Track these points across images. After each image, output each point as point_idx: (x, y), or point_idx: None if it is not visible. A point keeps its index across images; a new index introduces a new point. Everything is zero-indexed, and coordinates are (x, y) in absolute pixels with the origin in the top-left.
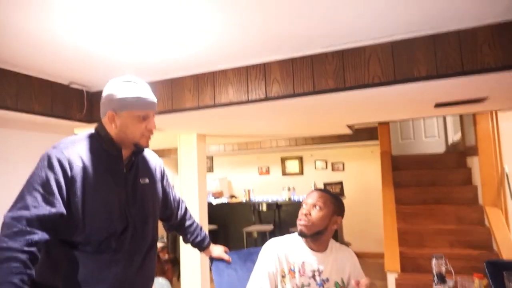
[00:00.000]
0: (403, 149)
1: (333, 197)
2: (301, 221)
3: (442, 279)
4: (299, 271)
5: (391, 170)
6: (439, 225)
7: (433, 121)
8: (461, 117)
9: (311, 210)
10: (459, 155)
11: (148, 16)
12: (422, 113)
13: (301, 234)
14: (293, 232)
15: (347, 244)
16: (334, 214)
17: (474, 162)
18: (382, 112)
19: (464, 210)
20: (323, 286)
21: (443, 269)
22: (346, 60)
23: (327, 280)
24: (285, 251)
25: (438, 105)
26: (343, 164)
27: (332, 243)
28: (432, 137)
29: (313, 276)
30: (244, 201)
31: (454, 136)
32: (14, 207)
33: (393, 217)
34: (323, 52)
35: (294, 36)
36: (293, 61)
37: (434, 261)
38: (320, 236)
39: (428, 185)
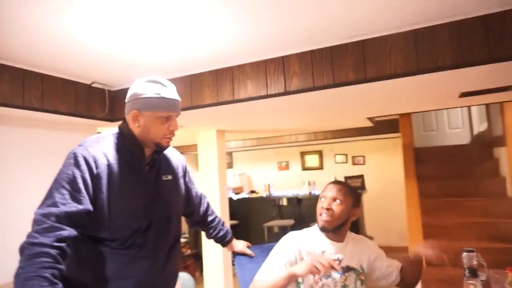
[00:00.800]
0: (426, 141)
1: (351, 190)
2: (322, 216)
3: (473, 273)
4: None
5: (414, 162)
6: (465, 219)
7: (457, 111)
8: (487, 106)
9: (332, 204)
10: (485, 146)
11: (165, 15)
12: (447, 103)
13: (324, 229)
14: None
15: (369, 238)
16: (353, 207)
17: (501, 153)
18: (405, 103)
19: (492, 202)
20: (343, 274)
21: (474, 262)
22: (367, 51)
23: (347, 268)
24: (304, 243)
25: (463, 95)
26: (364, 158)
27: (349, 233)
28: (456, 128)
29: None
30: (264, 196)
31: (480, 127)
32: (43, 204)
33: (416, 211)
34: (343, 43)
35: (312, 28)
36: (312, 54)
37: (464, 255)
38: (340, 229)
39: (453, 177)
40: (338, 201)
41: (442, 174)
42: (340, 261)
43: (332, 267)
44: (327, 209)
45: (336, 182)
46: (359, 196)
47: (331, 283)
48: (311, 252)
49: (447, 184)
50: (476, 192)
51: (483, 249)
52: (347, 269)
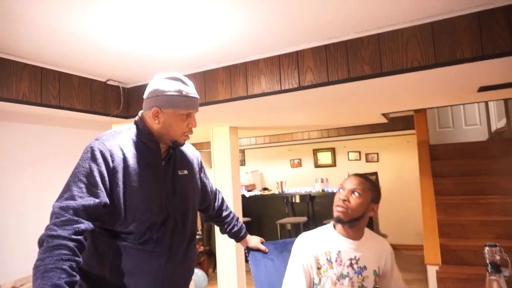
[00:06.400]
0: (442, 138)
1: (372, 184)
2: (338, 208)
3: (496, 268)
4: (336, 261)
5: (429, 160)
6: (483, 217)
7: (474, 108)
8: (505, 102)
9: (350, 197)
10: (504, 142)
11: (177, 10)
12: (465, 98)
13: (338, 220)
14: (326, 224)
15: (383, 236)
16: (372, 202)
17: None
18: (421, 98)
19: None
20: (361, 274)
21: (497, 257)
22: (383, 44)
23: (365, 267)
24: (319, 243)
25: (482, 89)
26: (378, 155)
27: (368, 231)
28: (474, 125)
29: (351, 265)
30: (277, 193)
31: (498, 123)
32: (61, 197)
33: (432, 208)
34: (358, 37)
35: (327, 22)
36: (326, 48)
37: (487, 249)
38: (356, 223)
39: (471, 175)
40: (356, 193)
41: (459, 171)
42: (357, 260)
43: None
44: (344, 200)
45: (357, 174)
46: (379, 192)
47: (349, 284)
48: (327, 252)
49: (464, 181)
50: (495, 190)
51: (503, 248)
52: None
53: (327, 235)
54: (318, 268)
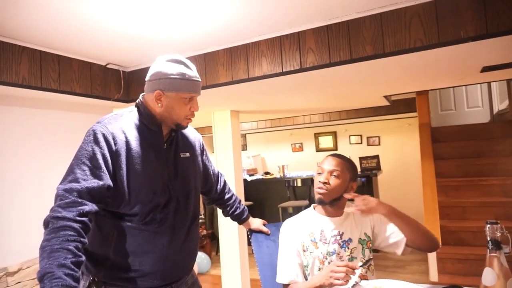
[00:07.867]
0: (444, 121)
1: (349, 164)
2: (320, 190)
3: (497, 245)
4: (321, 240)
5: (430, 142)
6: (483, 198)
7: (476, 90)
8: (508, 84)
9: (329, 178)
10: (506, 124)
11: None
12: (467, 79)
13: (320, 202)
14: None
15: None
16: (351, 181)
17: None
18: (423, 79)
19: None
20: (347, 247)
21: (498, 234)
22: (385, 24)
23: (350, 240)
24: (302, 226)
25: (485, 69)
26: (379, 138)
27: (349, 205)
28: (476, 107)
29: (336, 241)
30: (278, 177)
31: (500, 105)
32: (65, 179)
33: (433, 190)
34: (360, 17)
35: (328, 2)
36: (328, 29)
37: (488, 227)
38: (337, 202)
39: (472, 157)
40: (335, 174)
41: (460, 153)
42: (341, 235)
43: (352, 268)
44: (324, 183)
45: (334, 155)
46: (356, 170)
47: (337, 259)
48: (310, 234)
49: (465, 163)
50: (495, 171)
51: None
52: (350, 241)
53: (308, 218)
54: (304, 251)
